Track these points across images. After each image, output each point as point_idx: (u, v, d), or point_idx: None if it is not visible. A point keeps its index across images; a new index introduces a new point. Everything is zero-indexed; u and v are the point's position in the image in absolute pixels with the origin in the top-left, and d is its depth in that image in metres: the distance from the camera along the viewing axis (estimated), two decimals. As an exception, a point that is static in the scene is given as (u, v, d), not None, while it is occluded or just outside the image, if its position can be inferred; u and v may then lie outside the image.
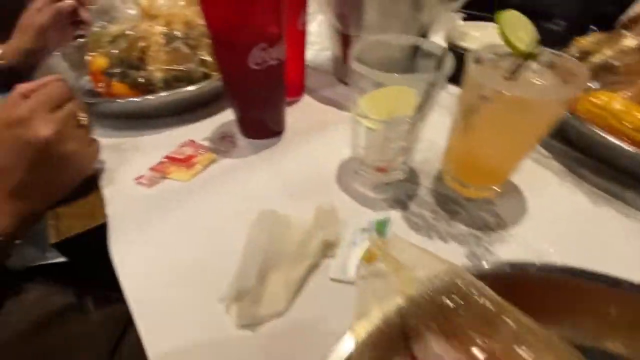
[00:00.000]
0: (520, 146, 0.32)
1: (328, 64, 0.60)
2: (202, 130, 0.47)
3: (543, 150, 0.42)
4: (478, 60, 0.30)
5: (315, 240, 0.29)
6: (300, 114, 0.50)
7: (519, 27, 0.28)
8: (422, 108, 0.31)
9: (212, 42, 0.39)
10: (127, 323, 0.38)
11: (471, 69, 0.29)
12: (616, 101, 0.39)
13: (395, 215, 0.35)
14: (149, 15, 0.48)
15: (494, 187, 0.36)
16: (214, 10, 0.36)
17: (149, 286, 0.29)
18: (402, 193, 0.37)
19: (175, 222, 0.35)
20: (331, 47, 0.57)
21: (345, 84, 0.56)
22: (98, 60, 0.48)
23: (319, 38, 0.65)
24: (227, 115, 0.49)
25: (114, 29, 0.49)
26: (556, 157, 0.41)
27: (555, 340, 0.18)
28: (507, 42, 0.28)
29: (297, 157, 0.43)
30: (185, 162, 0.41)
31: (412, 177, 0.39)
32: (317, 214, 0.32)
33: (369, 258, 0.21)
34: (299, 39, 0.48)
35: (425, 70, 0.32)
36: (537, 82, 0.29)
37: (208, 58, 0.49)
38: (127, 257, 0.31)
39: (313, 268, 0.30)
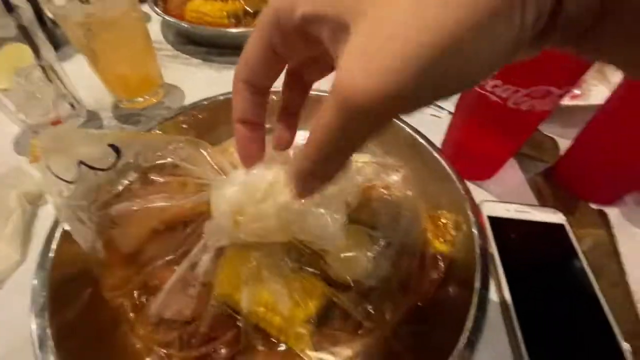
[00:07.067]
0: (135, 53, 0.43)
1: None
2: None
3: (183, 55, 0.56)
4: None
5: (11, 196, 0.33)
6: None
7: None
8: (37, 56, 0.37)
9: None
10: None
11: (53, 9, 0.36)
12: (200, 4, 0.56)
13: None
14: None
15: (157, 91, 0.47)
16: None
17: None
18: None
19: None
20: None
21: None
22: None
23: None
24: None
25: None
26: (191, 55, 0.56)
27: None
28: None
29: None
30: None
31: (93, 116, 0.45)
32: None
33: (33, 159, 0.27)
34: None
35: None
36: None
37: None
38: None
39: (31, 216, 0.34)
